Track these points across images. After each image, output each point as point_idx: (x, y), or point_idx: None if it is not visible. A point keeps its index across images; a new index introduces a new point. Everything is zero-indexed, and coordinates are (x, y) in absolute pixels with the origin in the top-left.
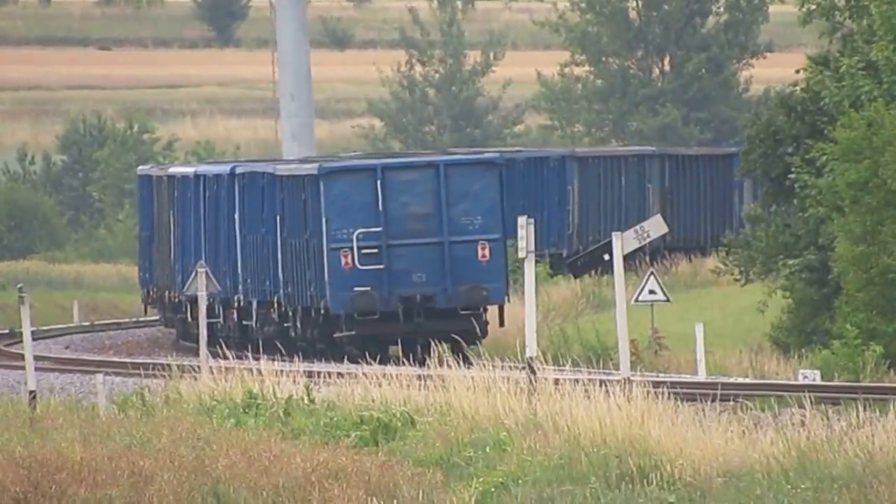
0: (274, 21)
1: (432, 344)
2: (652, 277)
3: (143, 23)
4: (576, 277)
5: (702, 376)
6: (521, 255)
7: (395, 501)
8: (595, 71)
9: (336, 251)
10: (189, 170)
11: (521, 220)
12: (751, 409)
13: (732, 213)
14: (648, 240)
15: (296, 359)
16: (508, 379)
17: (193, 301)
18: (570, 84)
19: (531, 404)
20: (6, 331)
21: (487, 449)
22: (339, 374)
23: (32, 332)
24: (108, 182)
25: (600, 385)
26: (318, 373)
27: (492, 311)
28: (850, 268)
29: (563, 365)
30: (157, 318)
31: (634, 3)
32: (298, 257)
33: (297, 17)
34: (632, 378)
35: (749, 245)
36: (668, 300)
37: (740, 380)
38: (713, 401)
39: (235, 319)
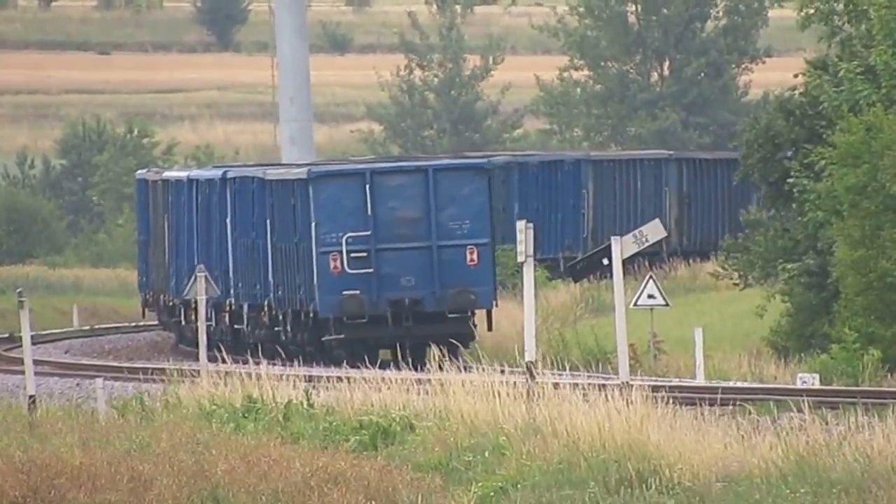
0: (273, 25)
1: (424, 348)
2: (651, 282)
3: (143, 27)
4: (575, 282)
5: (701, 380)
6: (519, 259)
7: None
8: (594, 75)
9: (325, 255)
10: (183, 174)
11: (520, 224)
12: (750, 414)
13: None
14: (647, 244)
15: (295, 363)
16: (507, 383)
17: (187, 305)
18: (569, 88)
19: (530, 409)
20: (6, 335)
21: (486, 453)
22: (339, 379)
23: (32, 337)
24: (108, 186)
25: (599, 389)
26: (318, 377)
27: (480, 315)
28: (848, 272)
29: (562, 369)
30: (156, 322)
31: (633, 8)
32: (288, 261)
33: (297, 21)
34: (631, 382)
35: (748, 249)
36: (667, 305)
37: (739, 384)
38: (712, 405)
39: (227, 323)
